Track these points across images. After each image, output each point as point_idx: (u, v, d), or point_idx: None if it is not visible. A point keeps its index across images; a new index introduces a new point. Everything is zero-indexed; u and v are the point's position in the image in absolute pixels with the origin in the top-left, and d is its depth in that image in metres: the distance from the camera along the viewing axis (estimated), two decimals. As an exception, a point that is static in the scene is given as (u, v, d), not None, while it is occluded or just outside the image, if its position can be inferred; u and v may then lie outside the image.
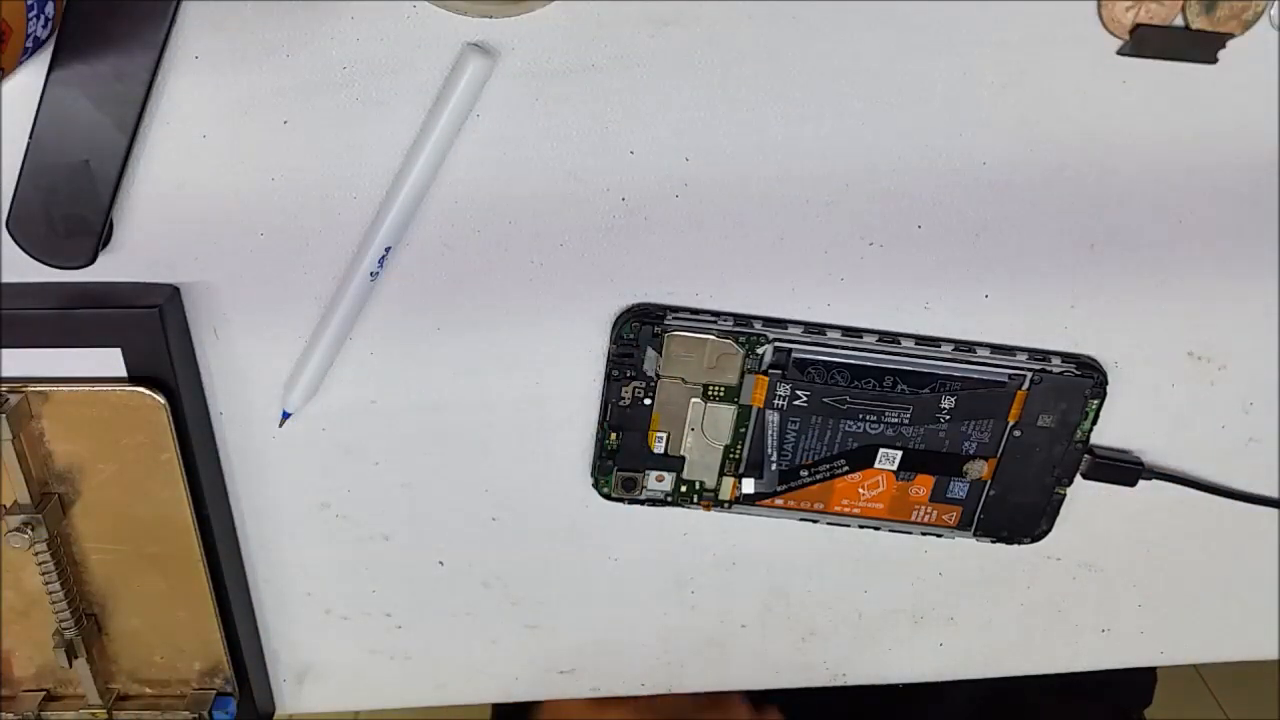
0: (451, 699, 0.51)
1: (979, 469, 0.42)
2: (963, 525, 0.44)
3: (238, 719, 0.47)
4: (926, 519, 0.44)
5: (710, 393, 0.41)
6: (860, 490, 0.43)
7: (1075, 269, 0.40)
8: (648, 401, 0.41)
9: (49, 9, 0.33)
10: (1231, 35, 0.36)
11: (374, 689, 0.50)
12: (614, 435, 0.42)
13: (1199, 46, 0.36)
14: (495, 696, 0.51)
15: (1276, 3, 0.35)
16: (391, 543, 0.46)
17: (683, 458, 0.42)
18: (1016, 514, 0.44)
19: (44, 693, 0.47)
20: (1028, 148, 0.38)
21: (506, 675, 0.51)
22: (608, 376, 0.41)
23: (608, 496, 0.44)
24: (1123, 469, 0.44)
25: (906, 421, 0.41)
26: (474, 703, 0.52)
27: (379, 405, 0.42)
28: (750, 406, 0.41)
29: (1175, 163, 0.38)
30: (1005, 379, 0.41)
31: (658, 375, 0.40)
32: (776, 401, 0.41)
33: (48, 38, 0.33)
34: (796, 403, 0.41)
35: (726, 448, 0.42)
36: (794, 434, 0.41)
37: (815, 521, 0.44)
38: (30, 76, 0.34)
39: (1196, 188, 0.39)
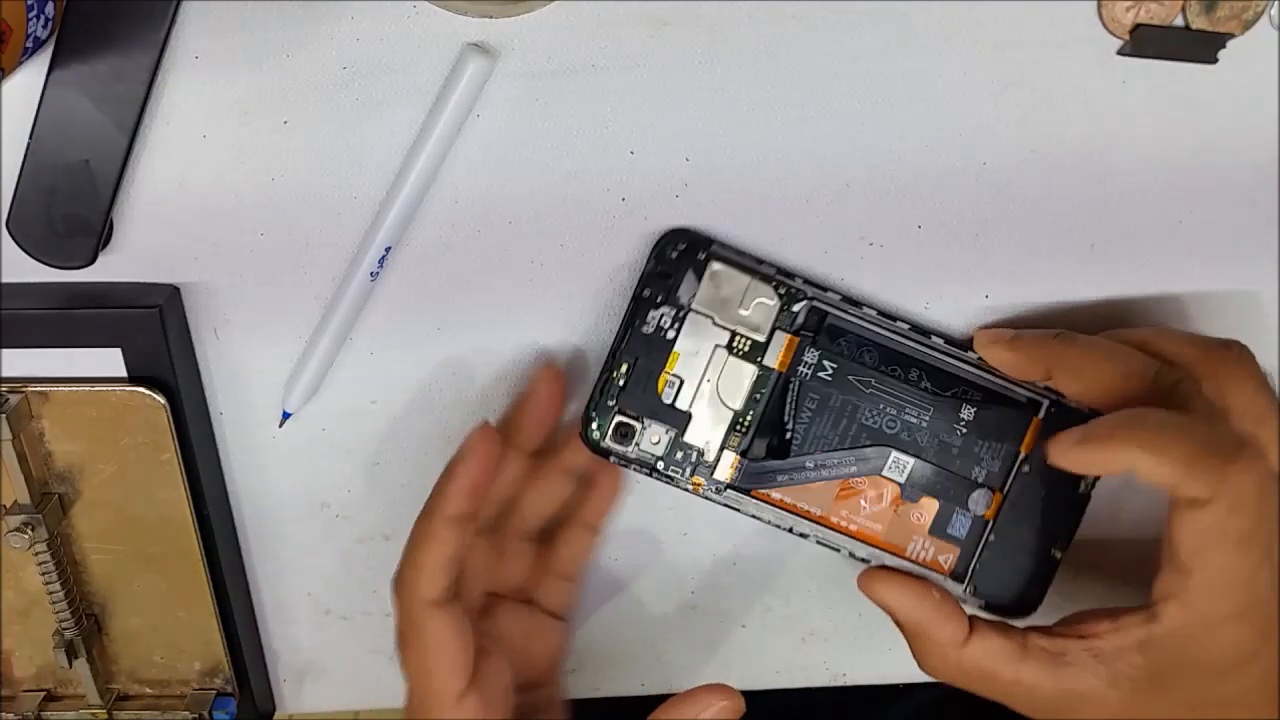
0: (451, 699, 0.51)
1: (984, 501, 0.41)
2: (956, 575, 0.41)
3: (238, 719, 0.47)
4: (922, 557, 0.41)
5: (735, 345, 0.39)
6: (862, 503, 0.41)
7: (1075, 269, 0.40)
8: (670, 335, 0.39)
9: (49, 9, 0.33)
10: (1231, 35, 0.36)
11: (374, 689, 0.49)
12: (624, 366, 0.39)
13: (1199, 46, 0.36)
14: (495, 696, 0.51)
15: (1276, 3, 0.36)
16: (392, 543, 0.46)
17: (689, 414, 0.40)
18: (1013, 577, 0.41)
19: (44, 693, 0.47)
20: (1028, 148, 0.38)
21: (506, 675, 0.50)
22: (636, 297, 0.38)
23: (595, 444, 0.40)
24: None
25: (925, 424, 0.40)
26: (474, 703, 0.52)
27: (379, 405, 0.42)
28: (771, 370, 0.39)
29: (1175, 163, 0.38)
30: (1024, 399, 0.40)
31: (689, 306, 0.39)
32: (800, 369, 0.39)
33: (48, 38, 0.34)
34: (821, 374, 0.39)
35: (737, 414, 0.40)
36: (809, 415, 0.40)
37: (806, 536, 0.41)
38: (30, 76, 0.34)
39: (1196, 188, 0.39)
